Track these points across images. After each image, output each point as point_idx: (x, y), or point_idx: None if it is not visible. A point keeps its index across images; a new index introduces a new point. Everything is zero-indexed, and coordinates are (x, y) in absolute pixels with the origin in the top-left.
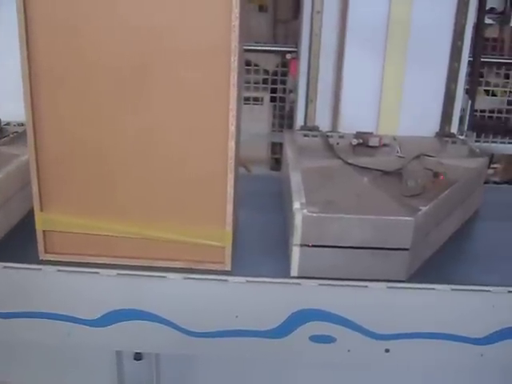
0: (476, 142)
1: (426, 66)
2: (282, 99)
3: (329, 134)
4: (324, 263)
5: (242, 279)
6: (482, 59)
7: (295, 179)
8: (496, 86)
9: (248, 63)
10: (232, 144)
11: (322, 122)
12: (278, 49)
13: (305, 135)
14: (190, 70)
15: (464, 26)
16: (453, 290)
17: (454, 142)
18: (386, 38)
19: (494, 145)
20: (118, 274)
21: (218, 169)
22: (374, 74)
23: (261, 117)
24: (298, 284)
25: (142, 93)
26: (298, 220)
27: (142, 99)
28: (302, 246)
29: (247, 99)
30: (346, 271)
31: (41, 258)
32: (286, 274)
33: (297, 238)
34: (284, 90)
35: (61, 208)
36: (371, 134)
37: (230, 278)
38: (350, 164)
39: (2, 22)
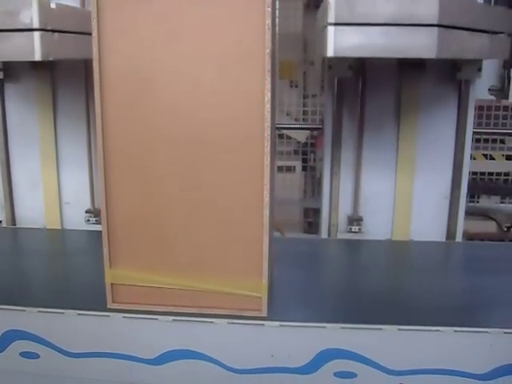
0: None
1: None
2: (313, 168)
3: None
4: (357, 42)
5: (276, 324)
6: None
7: None
8: None
9: (281, 135)
10: (267, 212)
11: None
12: (307, 126)
13: None
14: (231, 153)
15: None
16: (455, 331)
17: None
18: None
19: None
20: (173, 319)
21: (255, 232)
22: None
23: (293, 184)
24: (324, 327)
25: (193, 171)
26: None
27: (193, 176)
28: (336, 24)
29: (280, 168)
30: (378, 49)
31: (108, 307)
32: (313, 319)
33: (331, 16)
34: (315, 159)
35: (126, 265)
36: None
37: (265, 323)
38: None
39: None
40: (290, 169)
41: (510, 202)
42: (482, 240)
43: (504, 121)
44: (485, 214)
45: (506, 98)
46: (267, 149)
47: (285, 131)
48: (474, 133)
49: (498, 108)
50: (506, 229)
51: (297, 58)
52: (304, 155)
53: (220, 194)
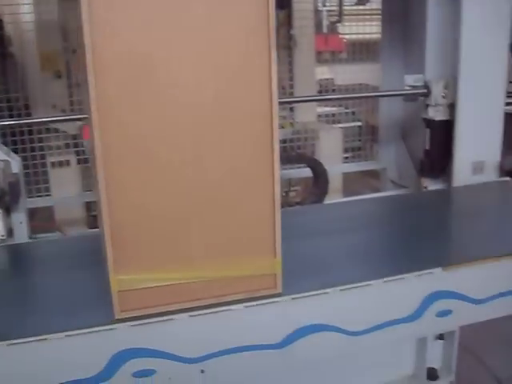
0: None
1: None
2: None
3: None
4: None
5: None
6: None
7: None
8: None
9: (49, 129)
10: (278, 188)
11: None
12: (76, 117)
13: None
14: (237, 132)
15: None
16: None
17: None
18: None
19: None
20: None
21: (266, 210)
22: None
23: (70, 179)
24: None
25: (197, 154)
26: None
27: (198, 160)
28: None
29: (53, 164)
30: None
31: (117, 317)
32: None
33: None
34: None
35: (132, 268)
36: None
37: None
38: None
39: None
40: (63, 163)
41: (284, 169)
42: None
43: None
44: None
45: None
46: (275, 124)
47: (53, 124)
48: None
49: None
50: (284, 194)
51: (57, 48)
52: (77, 148)
53: (227, 175)
